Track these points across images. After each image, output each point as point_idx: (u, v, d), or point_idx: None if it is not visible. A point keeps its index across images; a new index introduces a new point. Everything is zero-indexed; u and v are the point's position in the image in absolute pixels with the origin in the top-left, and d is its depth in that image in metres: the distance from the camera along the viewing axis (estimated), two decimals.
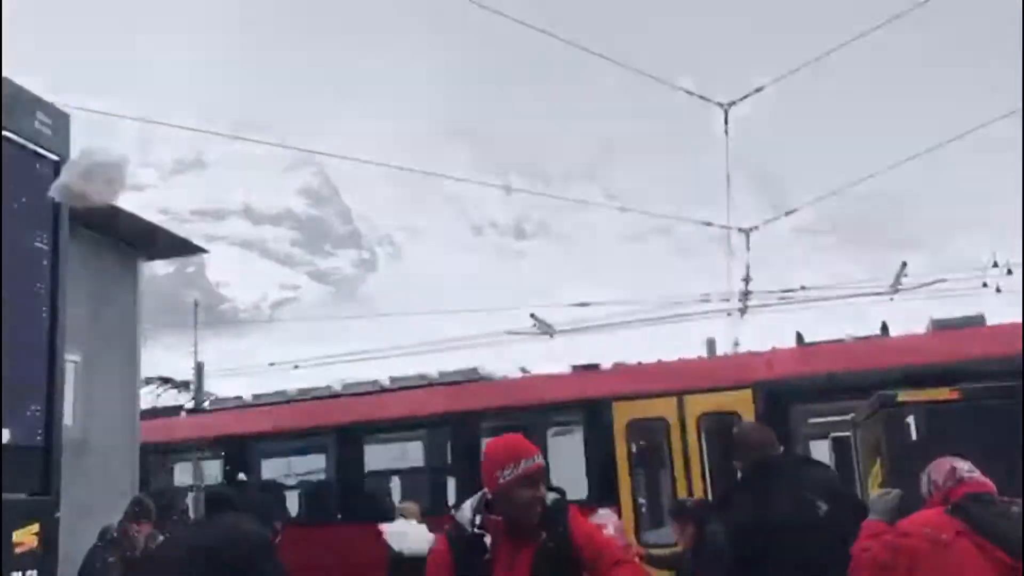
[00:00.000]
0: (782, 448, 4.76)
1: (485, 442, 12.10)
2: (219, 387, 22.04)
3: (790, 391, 10.80)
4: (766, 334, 13.40)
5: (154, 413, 14.85)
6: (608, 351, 13.72)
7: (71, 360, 8.81)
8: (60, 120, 7.25)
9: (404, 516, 9.39)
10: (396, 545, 8.69)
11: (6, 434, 6.47)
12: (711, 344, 15.38)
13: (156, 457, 12.72)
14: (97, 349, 9.20)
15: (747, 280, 13.26)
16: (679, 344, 14.71)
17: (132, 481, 9.75)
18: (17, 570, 6.38)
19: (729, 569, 4.33)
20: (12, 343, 6.54)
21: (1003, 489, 4.06)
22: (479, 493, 3.46)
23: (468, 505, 3.45)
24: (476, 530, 3.32)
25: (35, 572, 6.53)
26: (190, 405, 16.12)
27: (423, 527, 8.79)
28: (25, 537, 6.59)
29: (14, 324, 6.57)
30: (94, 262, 9.19)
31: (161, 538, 7.43)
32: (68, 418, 8.78)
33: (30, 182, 6.94)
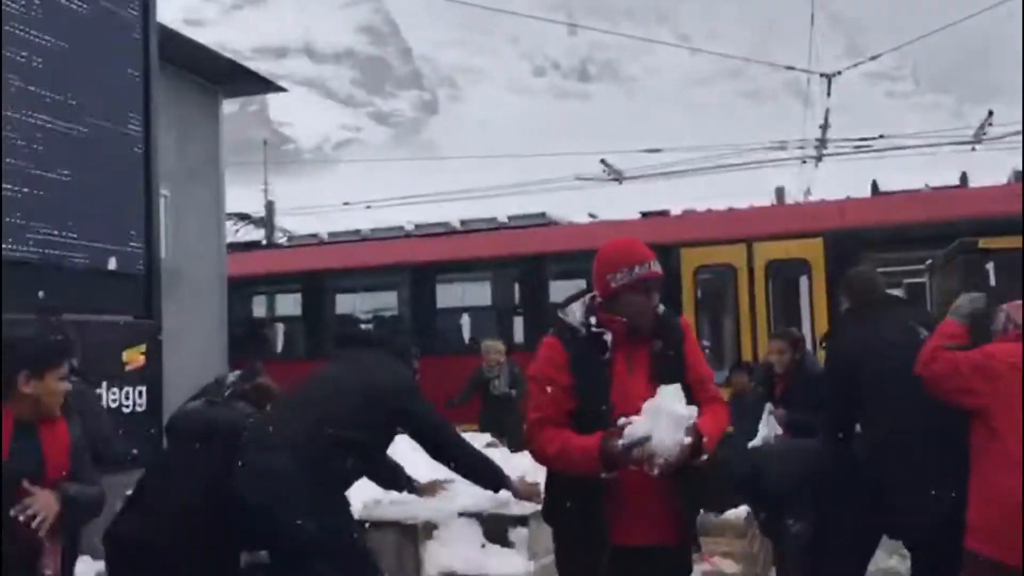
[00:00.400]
0: None
1: (553, 285, 12.53)
2: (289, 225, 22.68)
3: (862, 240, 10.77)
4: (841, 183, 13.24)
5: (233, 248, 15.43)
6: (678, 198, 13.71)
7: (162, 194, 9.18)
8: None
9: (489, 352, 9.85)
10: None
11: (112, 262, 6.90)
12: (780, 192, 15.24)
13: (235, 290, 13.31)
14: (184, 184, 9.52)
15: (825, 127, 12.97)
16: (750, 192, 14.61)
17: (221, 311, 10.28)
18: (128, 385, 6.93)
19: (832, 393, 4.41)
20: (111, 178, 6.86)
21: None
22: (587, 296, 3.27)
23: (577, 307, 3.23)
24: (595, 329, 3.12)
25: (144, 387, 7.10)
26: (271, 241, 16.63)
27: None
28: (133, 356, 7.11)
29: (112, 159, 6.87)
30: (177, 98, 9.38)
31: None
32: (161, 250, 9.27)
33: (120, 18, 7.08)
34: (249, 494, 3.69)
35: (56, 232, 6.24)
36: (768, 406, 5.95)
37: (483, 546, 4.19)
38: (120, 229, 6.95)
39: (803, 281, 11.23)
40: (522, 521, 4.22)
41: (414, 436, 4.13)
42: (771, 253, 11.26)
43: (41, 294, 6.18)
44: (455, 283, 13.35)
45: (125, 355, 7.06)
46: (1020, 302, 3.59)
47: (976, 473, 3.46)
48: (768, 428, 5.41)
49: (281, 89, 10.64)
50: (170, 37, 8.73)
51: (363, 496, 4.38)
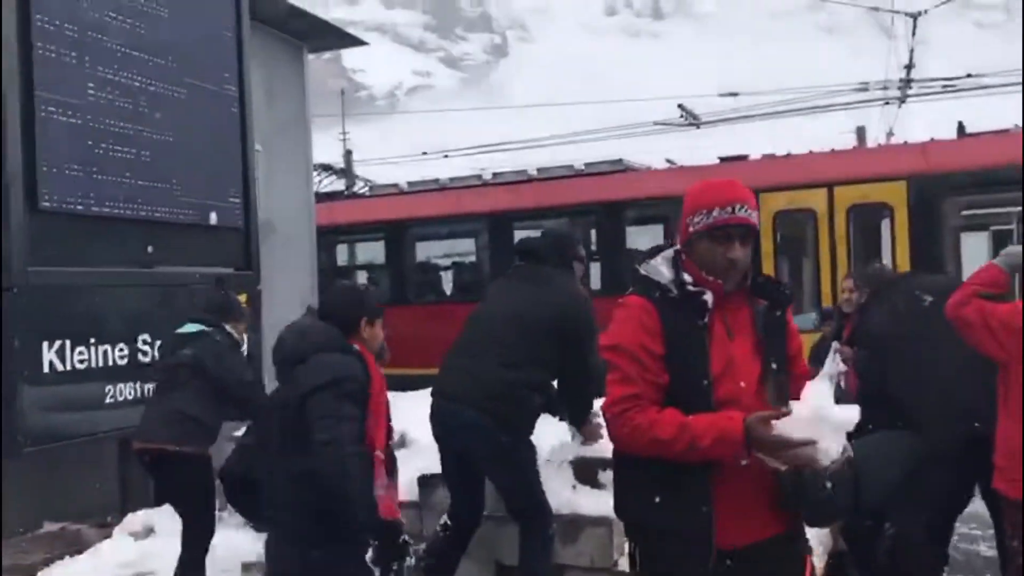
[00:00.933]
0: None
1: (630, 230, 12.64)
2: (368, 174, 23.06)
3: (946, 184, 10.59)
4: (928, 123, 12.95)
5: (317, 198, 15.86)
6: (758, 142, 13.57)
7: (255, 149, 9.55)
8: None
9: None
10: None
11: (213, 217, 7.27)
12: (861, 132, 14.96)
13: (321, 239, 13.76)
14: (273, 138, 9.84)
15: (910, 68, 12.66)
16: (832, 134, 14.33)
17: (311, 261, 10.66)
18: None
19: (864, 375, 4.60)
20: (210, 135, 7.20)
21: None
22: (671, 248, 2.75)
23: (661, 261, 2.70)
24: (692, 288, 2.59)
25: (246, 336, 7.50)
26: (354, 190, 17.00)
27: None
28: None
29: (210, 119, 7.20)
30: (264, 54, 9.65)
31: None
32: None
33: None
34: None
35: (161, 189, 6.60)
36: (834, 344, 5.99)
37: (574, 487, 4.43)
38: (220, 186, 7.31)
39: (885, 226, 11.10)
40: (611, 464, 4.44)
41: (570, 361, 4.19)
42: (852, 197, 11.14)
43: (150, 249, 6.59)
44: (533, 231, 13.50)
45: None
46: None
47: (1000, 417, 3.58)
48: (833, 365, 5.46)
49: (363, 43, 10.86)
50: None
51: None
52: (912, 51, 12.29)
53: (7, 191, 5.41)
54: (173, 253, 6.79)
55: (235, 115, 7.48)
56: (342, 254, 15.21)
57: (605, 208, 12.59)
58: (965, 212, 10.84)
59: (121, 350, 6.18)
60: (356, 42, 10.74)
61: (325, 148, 32.80)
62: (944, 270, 10.38)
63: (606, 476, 4.44)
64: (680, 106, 13.90)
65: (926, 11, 11.72)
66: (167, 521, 5.48)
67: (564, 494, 4.36)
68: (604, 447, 4.49)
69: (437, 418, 4.25)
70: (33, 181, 5.55)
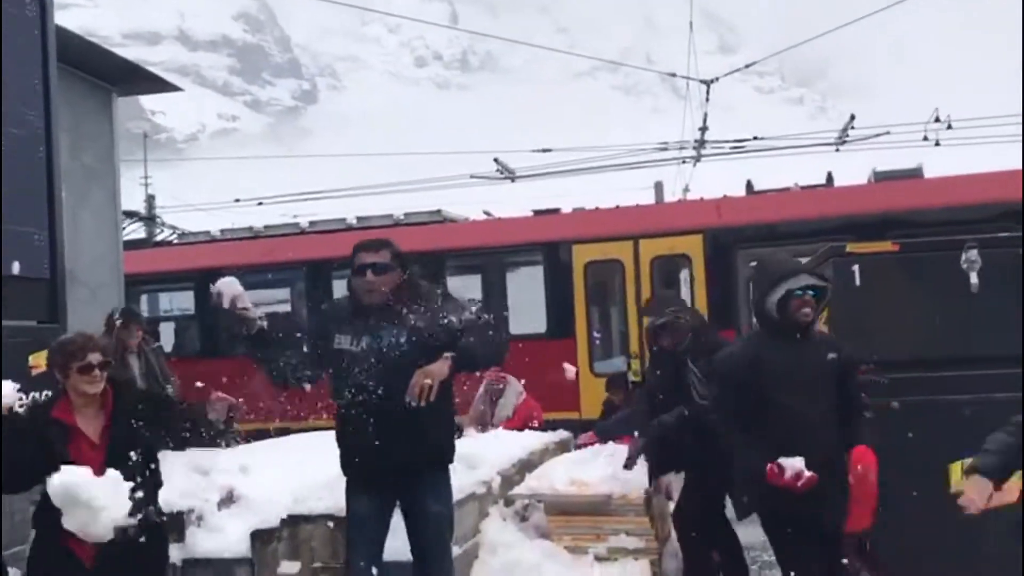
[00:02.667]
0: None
1: (449, 280, 12.87)
2: (174, 221, 22.15)
3: (738, 237, 11.51)
4: (718, 182, 14.00)
5: (136, 245, 15.14)
6: (570, 195, 14.21)
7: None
8: None
9: None
10: None
11: (16, 267, 6.86)
12: (659, 187, 15.95)
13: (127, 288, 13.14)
14: (79, 185, 9.41)
15: (704, 130, 13.69)
16: (636, 189, 15.23)
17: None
18: (35, 391, 6.91)
19: None
20: (15, 181, 6.81)
21: (937, 337, 4.79)
22: None
23: None
24: None
25: (50, 392, 7.08)
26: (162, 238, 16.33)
27: None
28: (38, 360, 7.08)
29: (13, 162, 6.82)
30: (70, 98, 9.26)
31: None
32: None
33: (15, 17, 7.02)
34: None
35: None
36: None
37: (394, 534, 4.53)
38: (23, 234, 6.91)
39: (684, 275, 11.92)
40: None
41: None
42: (656, 249, 11.88)
43: None
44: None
45: (31, 359, 7.04)
46: None
47: None
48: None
49: (176, 88, 10.59)
50: (63, 36, 8.64)
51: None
52: (706, 115, 13.35)
53: None
54: None
55: (41, 159, 7.11)
56: (148, 303, 14.58)
57: (425, 258, 12.77)
58: (753, 263, 11.83)
59: None
60: (168, 87, 10.46)
61: (126, 193, 31.33)
62: (736, 313, 11.29)
63: None
64: (496, 160, 14.36)
65: (718, 78, 12.78)
66: None
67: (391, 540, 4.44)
68: None
69: None
70: None
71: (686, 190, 16.25)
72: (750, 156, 13.99)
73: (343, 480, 4.00)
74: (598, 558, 5.04)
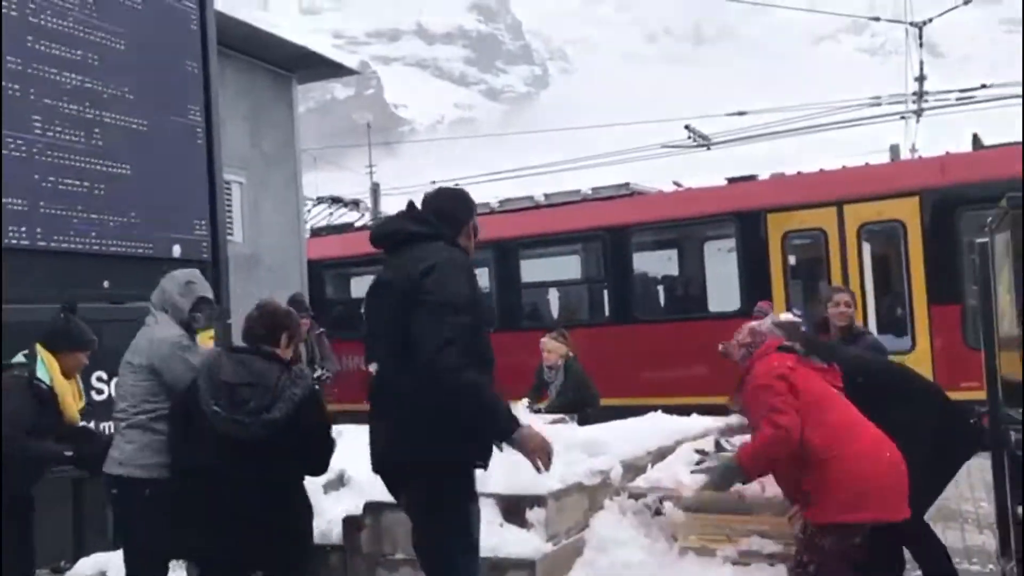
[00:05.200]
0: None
1: (639, 256, 12.31)
2: (394, 206, 22.95)
3: (961, 198, 10.11)
4: (945, 138, 12.47)
5: (328, 231, 15.75)
6: (770, 162, 13.20)
7: (236, 181, 9.44)
8: None
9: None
10: None
11: (176, 250, 7.13)
12: (895, 150, 14.46)
13: (328, 272, 13.61)
14: (260, 170, 9.74)
15: (921, 80, 12.17)
16: (855, 151, 13.90)
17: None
18: None
19: None
20: (173, 167, 7.07)
21: None
22: None
23: None
24: None
25: None
26: (361, 224, 16.86)
27: None
28: (203, 340, 7.34)
29: (173, 149, 7.08)
30: (250, 88, 9.58)
31: None
32: (238, 235, 9.54)
33: (175, 10, 7.27)
34: None
35: (117, 223, 6.47)
36: None
37: (501, 525, 4.14)
38: (184, 219, 7.17)
39: (898, 244, 10.65)
40: (540, 501, 4.15)
41: None
42: (863, 215, 10.71)
43: (106, 284, 6.45)
44: (540, 258, 13.27)
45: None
46: None
47: None
48: None
49: (353, 72, 10.76)
50: (240, 27, 8.93)
51: None
52: (921, 62, 11.82)
53: None
54: (133, 288, 6.62)
55: (201, 146, 7.34)
56: (356, 286, 15.03)
57: (612, 232, 12.29)
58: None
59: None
60: (344, 71, 10.63)
61: (358, 180, 32.96)
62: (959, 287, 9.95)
63: (535, 514, 4.15)
64: (687, 127, 13.56)
65: (931, 19, 11.24)
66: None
67: (488, 532, 4.06)
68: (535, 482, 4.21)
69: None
70: None
71: (912, 150, 14.60)
72: (982, 107, 12.26)
73: None
74: (728, 561, 4.42)
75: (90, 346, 4.90)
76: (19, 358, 4.77)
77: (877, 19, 11.53)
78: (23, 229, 5.77)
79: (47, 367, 4.65)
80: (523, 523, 4.14)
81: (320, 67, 10.48)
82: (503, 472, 4.34)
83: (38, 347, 4.74)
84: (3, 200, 5.65)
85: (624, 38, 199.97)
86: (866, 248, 10.92)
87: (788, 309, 11.10)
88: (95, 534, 6.12)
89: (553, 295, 13.57)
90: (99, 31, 6.44)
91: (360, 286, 14.52)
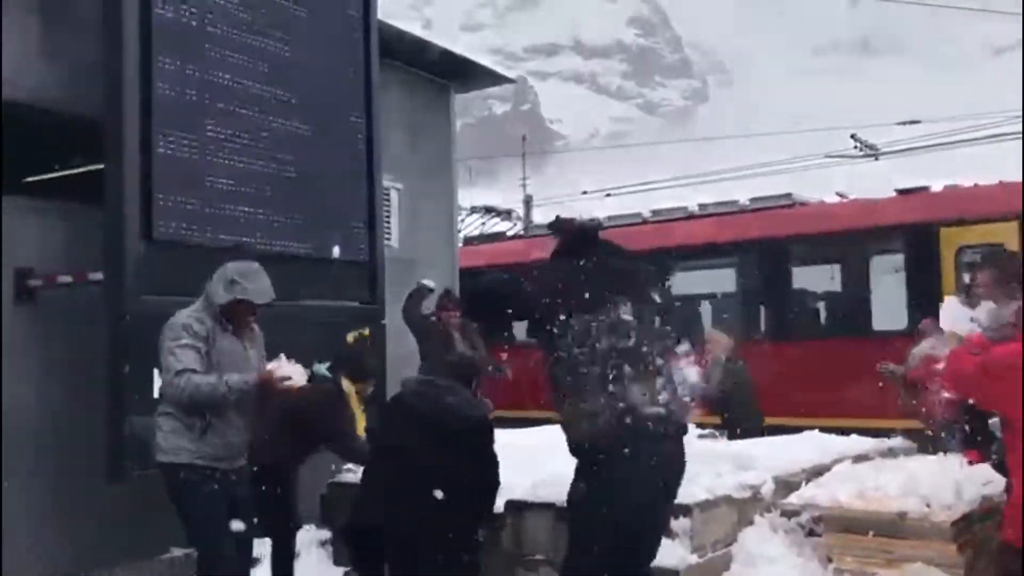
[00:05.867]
0: None
1: (799, 271, 11.82)
2: (546, 216, 23.09)
3: None
4: None
5: (481, 239, 15.99)
6: (947, 173, 12.46)
7: (394, 187, 9.67)
8: None
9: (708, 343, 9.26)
10: None
11: (336, 250, 7.36)
12: None
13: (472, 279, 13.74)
14: (417, 178, 9.94)
15: None
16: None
17: None
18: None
19: None
20: (334, 171, 7.31)
21: None
22: None
23: None
24: None
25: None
26: (513, 232, 17.06)
27: None
28: (359, 337, 7.55)
29: (335, 153, 7.33)
30: (409, 96, 9.81)
31: None
32: (395, 240, 9.77)
33: (342, 21, 7.53)
34: None
35: (281, 223, 6.73)
36: None
37: None
38: (344, 220, 7.40)
39: None
40: (686, 511, 4.01)
41: None
42: None
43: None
44: (694, 270, 12.99)
45: (349, 337, 7.53)
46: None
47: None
48: None
49: (510, 80, 10.86)
50: (401, 35, 9.17)
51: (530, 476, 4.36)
52: None
53: (123, 221, 5.65)
54: (294, 285, 6.86)
55: (362, 151, 7.57)
56: None
57: (770, 245, 11.91)
58: None
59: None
60: (502, 79, 10.75)
61: (512, 192, 33.49)
62: None
63: (680, 524, 4.00)
64: (853, 136, 12.96)
65: None
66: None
67: None
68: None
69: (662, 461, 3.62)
70: (149, 212, 5.77)
71: None
72: None
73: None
74: None
75: (376, 376, 6.00)
76: (322, 371, 5.47)
77: None
78: (194, 226, 6.08)
79: (348, 389, 5.51)
80: (668, 532, 4.00)
81: (477, 76, 10.62)
82: None
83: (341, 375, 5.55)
84: (177, 199, 5.98)
85: (788, 51, 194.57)
86: None
87: None
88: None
89: (706, 309, 13.26)
90: (268, 38, 6.74)
91: None
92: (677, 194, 15.94)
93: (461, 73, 10.36)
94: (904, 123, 12.88)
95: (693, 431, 6.69)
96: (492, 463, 3.93)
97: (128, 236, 5.68)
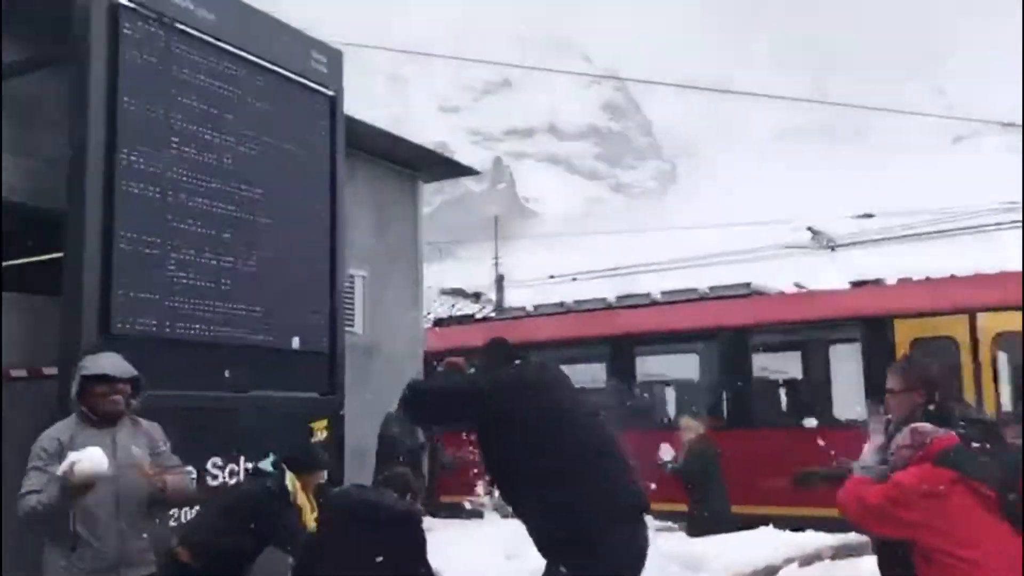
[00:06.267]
0: None
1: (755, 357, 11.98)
2: (517, 297, 23.25)
3: None
4: None
5: (451, 321, 16.07)
6: (900, 267, 12.80)
7: (359, 275, 9.79)
8: (334, 57, 7.96)
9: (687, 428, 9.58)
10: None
11: (296, 341, 7.40)
12: None
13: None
14: (383, 264, 10.07)
15: None
16: (986, 259, 13.28)
17: None
18: None
19: None
20: (296, 262, 7.40)
21: None
22: None
23: None
24: None
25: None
26: (483, 315, 17.20)
27: None
28: (319, 429, 7.55)
29: (297, 245, 7.42)
30: (376, 186, 10.00)
31: None
32: (359, 327, 9.83)
33: (308, 116, 7.71)
34: None
35: (241, 315, 6.78)
36: None
37: None
38: (304, 311, 7.46)
39: None
40: None
41: None
42: (999, 324, 10.19)
43: (227, 373, 6.73)
44: (656, 355, 13.11)
45: (312, 426, 7.53)
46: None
47: None
48: None
49: (474, 172, 11.11)
50: (368, 129, 9.39)
51: None
52: None
53: (80, 315, 5.69)
54: (254, 377, 6.89)
55: (325, 243, 7.67)
56: None
57: (730, 333, 12.07)
58: None
59: (190, 472, 6.24)
60: (466, 171, 10.99)
61: (487, 272, 33.80)
62: None
63: None
64: (809, 228, 13.31)
65: None
66: None
67: None
68: None
69: (637, 544, 3.83)
70: (107, 306, 5.81)
71: None
72: None
73: None
74: None
75: (327, 467, 5.75)
76: (268, 466, 5.40)
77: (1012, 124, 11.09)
78: (152, 320, 6.12)
79: (292, 484, 5.30)
80: None
81: (445, 166, 10.86)
82: None
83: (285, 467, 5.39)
84: (136, 293, 6.03)
85: (753, 137, 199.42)
86: (1002, 358, 10.35)
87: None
88: None
89: (670, 394, 13.34)
90: (233, 134, 6.89)
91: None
92: (641, 280, 16.18)
93: (428, 163, 10.59)
94: (859, 216, 13.27)
95: (652, 521, 6.77)
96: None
97: (85, 330, 5.71)
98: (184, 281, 6.35)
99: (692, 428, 9.50)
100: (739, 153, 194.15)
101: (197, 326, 6.44)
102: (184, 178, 6.43)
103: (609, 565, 3.56)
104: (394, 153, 10.14)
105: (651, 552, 4.13)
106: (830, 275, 11.83)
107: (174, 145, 6.40)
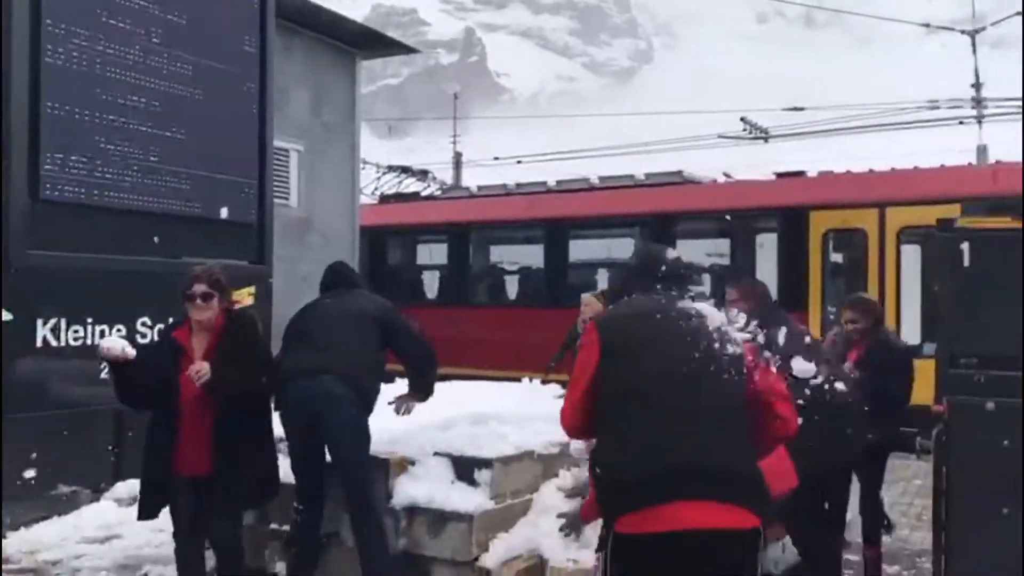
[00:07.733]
0: None
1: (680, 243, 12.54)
2: (477, 178, 23.39)
3: (1005, 208, 10.07)
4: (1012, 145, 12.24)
5: (397, 198, 16.40)
6: (832, 159, 13.23)
7: (294, 148, 10.10)
8: None
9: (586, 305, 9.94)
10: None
11: (224, 211, 7.80)
12: (982, 151, 14.22)
13: (390, 238, 14.27)
14: (319, 140, 10.36)
15: (977, 85, 12.00)
16: (908, 153, 13.77)
17: (351, 256, 11.14)
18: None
19: None
20: (225, 134, 7.72)
21: None
22: None
23: None
24: None
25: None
26: (431, 192, 17.48)
27: None
28: (242, 296, 8.01)
29: (227, 118, 7.72)
30: (313, 62, 10.19)
31: None
32: (294, 200, 10.21)
33: None
34: None
35: (169, 185, 7.15)
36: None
37: (452, 483, 4.64)
38: (234, 183, 7.82)
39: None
40: (487, 464, 4.63)
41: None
42: (905, 218, 10.76)
43: (156, 239, 7.14)
44: (589, 239, 13.63)
45: (234, 295, 7.97)
46: None
47: None
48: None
49: (413, 50, 11.28)
50: (306, 5, 9.54)
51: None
52: (976, 68, 11.62)
53: (10, 182, 6.04)
54: (181, 244, 7.29)
55: (254, 116, 7.96)
56: (395, 252, 15.42)
57: (657, 218, 12.57)
58: None
59: (119, 330, 6.73)
60: (404, 50, 11.17)
61: (445, 150, 33.65)
62: None
63: (482, 475, 4.63)
64: (743, 119, 13.67)
65: (984, 28, 11.09)
66: None
67: (440, 488, 4.58)
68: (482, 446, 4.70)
69: (290, 395, 4.49)
70: (36, 173, 6.16)
71: (984, 152, 14.31)
72: None
73: None
74: None
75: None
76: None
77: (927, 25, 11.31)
78: (80, 188, 6.48)
79: None
80: (471, 482, 4.63)
81: (384, 45, 11.03)
82: (460, 437, 4.88)
83: None
84: (64, 160, 6.37)
85: (733, 17, 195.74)
86: (907, 251, 10.96)
87: (824, 306, 11.27)
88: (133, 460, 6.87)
89: (601, 275, 13.93)
90: (164, 7, 7.09)
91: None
92: (590, 164, 16.45)
93: (366, 42, 10.75)
94: (788, 109, 13.64)
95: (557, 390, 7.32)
96: None
97: (14, 196, 6.07)
98: (112, 150, 6.68)
99: (591, 305, 9.58)
100: (717, 34, 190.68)
101: (125, 195, 6.81)
102: (111, 50, 6.67)
103: None
104: (333, 30, 10.29)
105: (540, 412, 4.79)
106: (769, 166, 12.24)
107: (103, 17, 6.62)
